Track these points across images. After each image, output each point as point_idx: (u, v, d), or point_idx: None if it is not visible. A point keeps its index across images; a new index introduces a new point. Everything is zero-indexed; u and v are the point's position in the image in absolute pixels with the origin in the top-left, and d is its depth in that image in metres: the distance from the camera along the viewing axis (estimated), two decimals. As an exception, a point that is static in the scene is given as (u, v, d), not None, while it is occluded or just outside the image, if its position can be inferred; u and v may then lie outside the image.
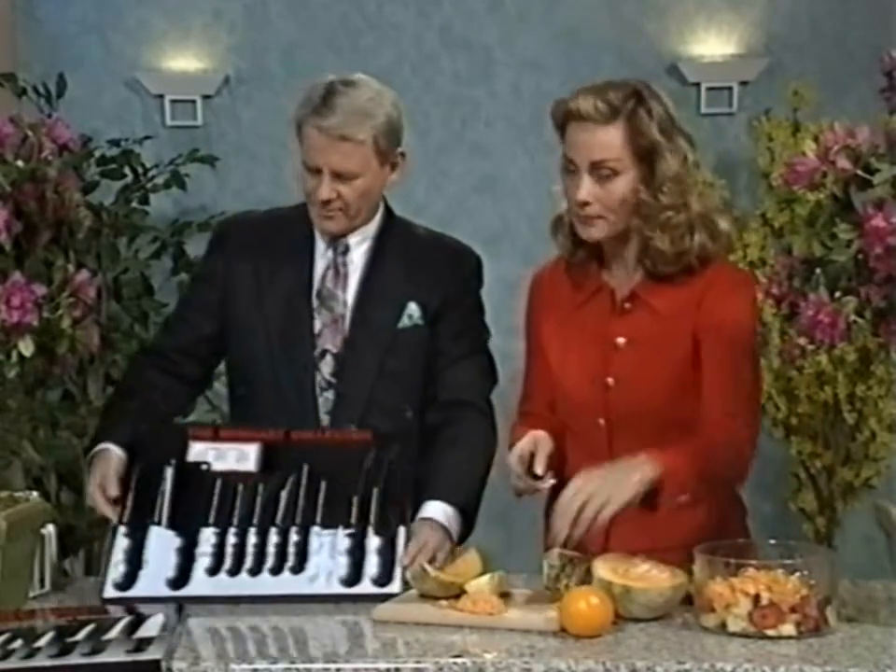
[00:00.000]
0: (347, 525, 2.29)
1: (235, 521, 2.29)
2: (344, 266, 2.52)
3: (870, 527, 2.35)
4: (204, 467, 2.35)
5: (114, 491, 2.30)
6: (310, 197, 2.46)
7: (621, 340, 2.35)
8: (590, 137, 2.28)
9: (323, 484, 2.32)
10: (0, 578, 2.10)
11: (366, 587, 2.22)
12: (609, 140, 2.28)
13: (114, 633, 1.95)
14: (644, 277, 2.36)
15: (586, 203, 2.30)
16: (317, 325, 2.50)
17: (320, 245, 2.53)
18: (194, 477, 2.34)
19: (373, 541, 2.27)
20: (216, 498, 2.31)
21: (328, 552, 2.26)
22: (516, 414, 2.49)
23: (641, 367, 2.33)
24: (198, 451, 2.36)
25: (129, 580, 2.23)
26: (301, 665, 1.87)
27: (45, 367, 2.23)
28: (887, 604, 2.11)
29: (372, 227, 2.54)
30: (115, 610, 2.10)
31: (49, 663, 1.85)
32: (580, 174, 2.29)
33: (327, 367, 2.50)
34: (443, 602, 2.09)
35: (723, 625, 1.96)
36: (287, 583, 2.22)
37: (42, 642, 1.92)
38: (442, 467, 2.43)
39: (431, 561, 2.21)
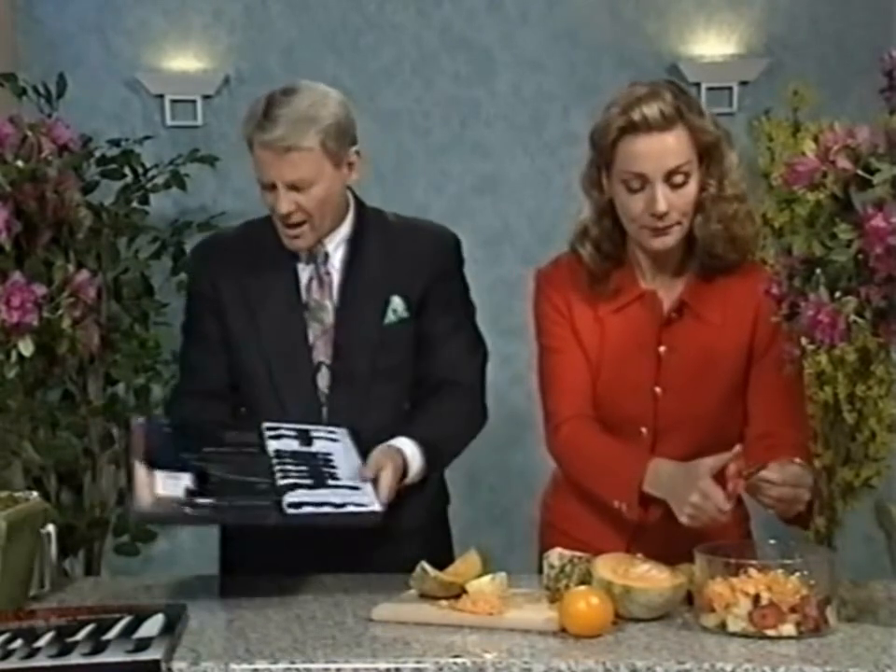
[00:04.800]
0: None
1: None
2: (328, 275, 2.50)
3: (870, 527, 2.34)
4: None
5: None
6: (273, 213, 2.44)
7: (662, 349, 2.32)
8: (660, 145, 2.23)
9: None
10: (0, 578, 2.10)
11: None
12: (678, 144, 2.23)
13: (114, 633, 1.95)
14: (691, 284, 2.33)
15: (665, 214, 2.24)
16: (311, 337, 2.49)
17: (301, 255, 2.50)
18: None
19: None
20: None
21: (343, 454, 2.33)
22: (562, 421, 2.37)
23: (691, 376, 2.31)
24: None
25: None
26: (300, 665, 1.87)
27: (45, 367, 2.22)
28: (887, 604, 2.11)
29: (346, 227, 2.51)
30: (116, 609, 2.08)
31: (48, 663, 1.85)
32: (652, 185, 2.23)
33: (323, 379, 2.49)
34: (443, 602, 2.09)
35: (723, 625, 1.96)
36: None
37: (42, 642, 1.92)
38: (419, 415, 2.47)
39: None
